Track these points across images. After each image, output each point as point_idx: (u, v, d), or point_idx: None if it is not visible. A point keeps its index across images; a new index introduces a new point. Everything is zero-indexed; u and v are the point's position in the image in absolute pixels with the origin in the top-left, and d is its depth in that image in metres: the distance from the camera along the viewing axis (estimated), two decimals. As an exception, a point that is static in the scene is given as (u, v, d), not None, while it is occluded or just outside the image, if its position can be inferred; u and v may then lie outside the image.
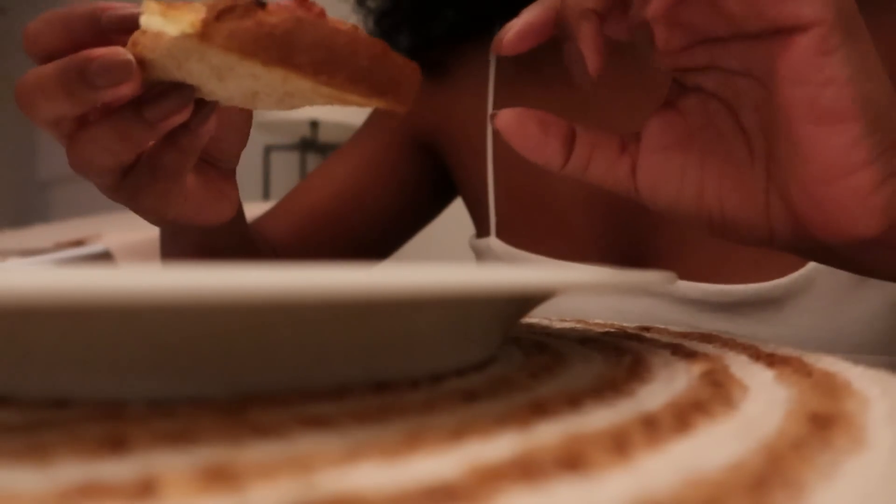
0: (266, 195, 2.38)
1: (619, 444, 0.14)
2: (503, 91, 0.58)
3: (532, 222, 0.54)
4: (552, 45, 0.55)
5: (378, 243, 0.64)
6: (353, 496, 0.11)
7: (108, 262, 1.14)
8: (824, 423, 0.16)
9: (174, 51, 0.25)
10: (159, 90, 0.28)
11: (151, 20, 0.26)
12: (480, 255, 0.59)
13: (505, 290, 0.17)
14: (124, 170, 0.32)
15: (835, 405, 0.18)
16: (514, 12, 0.60)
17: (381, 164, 0.63)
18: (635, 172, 0.30)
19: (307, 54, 0.24)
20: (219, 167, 0.38)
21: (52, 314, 0.16)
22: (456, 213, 0.68)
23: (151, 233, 1.20)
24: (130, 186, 0.32)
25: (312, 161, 2.26)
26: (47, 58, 0.29)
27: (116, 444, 0.14)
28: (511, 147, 0.56)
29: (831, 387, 0.20)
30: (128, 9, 0.28)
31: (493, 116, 0.30)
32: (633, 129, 0.32)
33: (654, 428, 0.16)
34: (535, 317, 0.39)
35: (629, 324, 0.37)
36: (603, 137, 0.30)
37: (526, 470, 0.13)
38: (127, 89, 0.27)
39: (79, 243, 1.18)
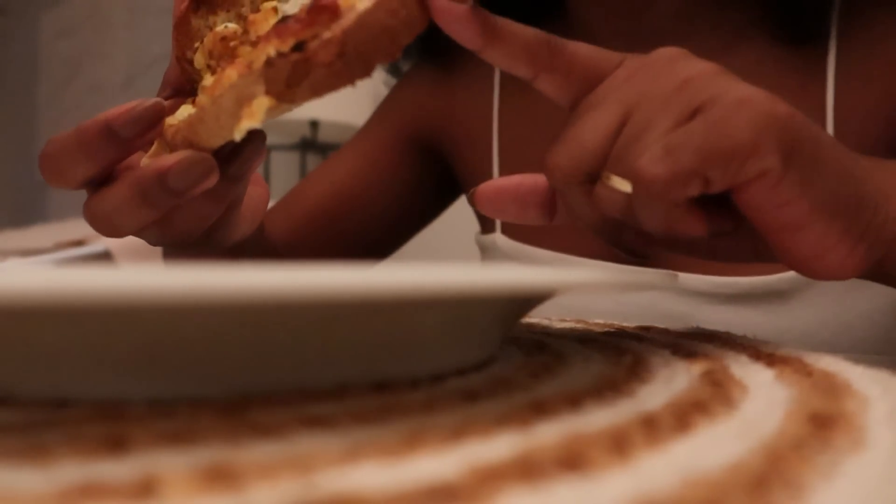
0: (266, 195, 2.37)
1: (619, 444, 0.14)
2: (508, 89, 0.58)
3: None
4: (563, 34, 0.55)
5: (378, 243, 0.64)
6: (353, 496, 0.11)
7: (108, 262, 1.14)
8: (824, 423, 0.16)
9: (220, 111, 0.25)
10: (185, 159, 0.27)
11: (184, 113, 0.26)
12: (486, 252, 0.59)
13: (505, 290, 0.17)
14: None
15: (835, 405, 0.18)
16: (517, 12, 0.60)
17: (381, 164, 0.62)
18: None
19: (354, 50, 0.24)
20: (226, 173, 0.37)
21: (52, 314, 0.16)
22: (458, 212, 0.68)
23: (151, 233, 1.20)
24: (152, 236, 0.31)
25: (312, 161, 2.26)
26: (80, 185, 0.28)
27: (116, 444, 0.14)
28: (516, 143, 0.56)
29: (831, 387, 0.20)
30: (136, 108, 0.27)
31: (471, 195, 0.32)
32: None
33: (654, 428, 0.16)
34: (535, 317, 0.39)
35: (632, 320, 0.37)
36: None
37: (526, 470, 0.13)
38: (209, 184, 0.27)
39: (79, 243, 1.18)
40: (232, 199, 0.31)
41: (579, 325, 0.35)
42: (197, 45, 0.29)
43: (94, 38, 2.53)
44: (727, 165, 0.24)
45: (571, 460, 0.13)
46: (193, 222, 0.30)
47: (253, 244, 0.50)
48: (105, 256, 1.13)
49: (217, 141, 0.26)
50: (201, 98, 0.26)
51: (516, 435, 0.15)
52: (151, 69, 2.32)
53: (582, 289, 0.18)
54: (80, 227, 1.46)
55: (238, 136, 0.25)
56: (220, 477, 0.12)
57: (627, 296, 0.50)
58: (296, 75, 0.24)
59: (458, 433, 0.15)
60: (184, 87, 0.31)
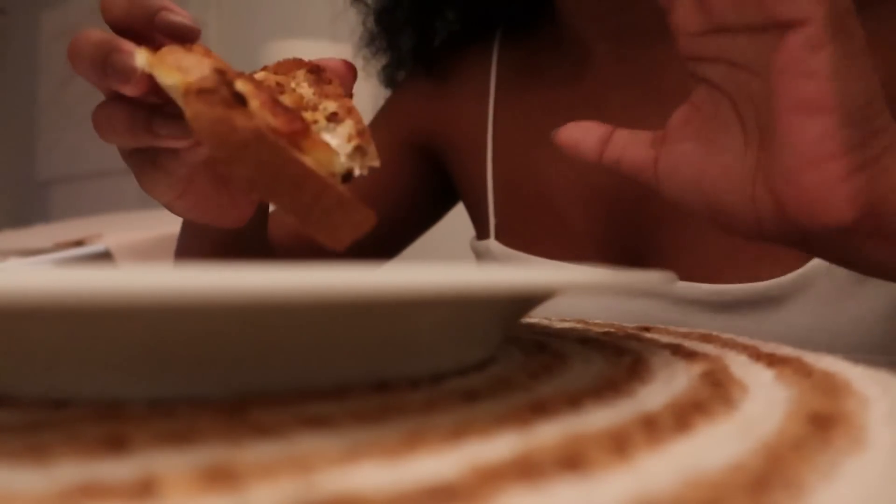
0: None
1: (619, 444, 0.14)
2: (504, 95, 0.58)
3: (530, 224, 0.54)
4: (552, 48, 0.56)
5: (376, 250, 0.64)
6: (353, 496, 0.11)
7: (108, 262, 1.14)
8: (824, 423, 0.16)
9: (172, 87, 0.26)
10: (178, 111, 0.29)
11: (141, 62, 0.28)
12: (480, 257, 0.59)
13: (505, 290, 0.17)
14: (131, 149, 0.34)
15: (835, 405, 0.18)
16: (514, 18, 0.60)
17: (378, 171, 0.62)
18: (657, 164, 0.32)
19: (249, 170, 0.24)
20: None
21: (52, 314, 0.16)
22: (458, 215, 0.69)
23: (151, 233, 1.20)
24: (134, 163, 0.34)
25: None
26: (110, 23, 0.31)
27: (116, 444, 0.14)
28: (510, 149, 0.57)
29: (831, 387, 0.20)
30: (182, 20, 0.30)
31: (555, 134, 0.35)
32: (631, 128, 0.34)
33: (654, 428, 0.16)
34: (535, 317, 0.39)
35: (628, 324, 0.37)
36: (636, 136, 0.33)
37: (526, 470, 0.13)
38: (128, 91, 0.29)
39: (79, 243, 1.18)
40: (155, 155, 0.33)
41: (579, 326, 0.35)
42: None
43: (94, 38, 2.53)
44: None
45: (571, 460, 0.13)
46: (108, 126, 0.32)
47: (258, 242, 0.50)
48: (105, 256, 1.13)
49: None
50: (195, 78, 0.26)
51: (516, 435, 0.15)
52: (151, 69, 2.32)
53: (581, 289, 0.18)
54: (80, 227, 1.46)
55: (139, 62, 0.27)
56: (220, 477, 0.12)
57: (620, 303, 0.50)
58: (211, 98, 0.24)
59: (458, 433, 0.15)
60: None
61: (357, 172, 0.27)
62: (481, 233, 0.59)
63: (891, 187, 0.27)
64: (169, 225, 1.28)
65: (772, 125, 0.28)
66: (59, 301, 0.12)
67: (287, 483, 0.12)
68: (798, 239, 0.30)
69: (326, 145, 0.26)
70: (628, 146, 0.33)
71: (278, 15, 1.89)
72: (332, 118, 0.28)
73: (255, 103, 0.25)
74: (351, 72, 0.33)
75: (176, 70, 0.27)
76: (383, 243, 0.64)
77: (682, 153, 0.32)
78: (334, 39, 1.28)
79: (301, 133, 0.25)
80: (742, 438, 0.15)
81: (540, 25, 0.57)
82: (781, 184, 0.28)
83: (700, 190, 0.31)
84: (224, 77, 0.24)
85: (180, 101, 0.26)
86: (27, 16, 2.79)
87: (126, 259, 1.14)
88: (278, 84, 0.30)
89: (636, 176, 0.33)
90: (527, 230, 0.55)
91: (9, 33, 2.85)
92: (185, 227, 0.48)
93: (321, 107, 0.29)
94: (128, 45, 0.29)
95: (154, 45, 0.29)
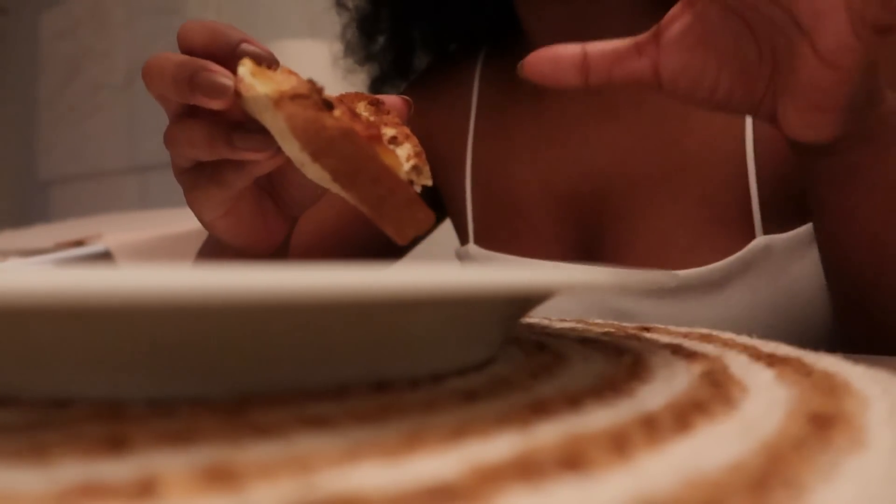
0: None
1: (619, 444, 0.14)
2: (484, 109, 0.62)
3: (504, 227, 0.58)
4: None
5: (372, 260, 0.66)
6: (353, 496, 0.11)
7: (108, 262, 1.14)
8: (824, 423, 0.16)
9: (259, 101, 0.29)
10: (254, 128, 0.32)
11: (245, 73, 0.30)
12: (462, 261, 0.62)
13: (505, 290, 0.17)
14: (195, 164, 0.36)
15: (835, 405, 0.18)
16: (494, 38, 0.63)
17: None
18: (658, 69, 0.34)
19: (334, 162, 0.27)
20: (280, 207, 0.41)
21: (52, 314, 0.16)
22: (441, 232, 0.71)
23: (151, 233, 1.20)
24: (190, 178, 0.36)
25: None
26: (187, 50, 0.33)
27: (116, 444, 0.14)
28: (487, 162, 0.59)
29: (831, 387, 0.20)
30: (262, 51, 0.32)
31: (521, 66, 0.36)
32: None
33: (654, 428, 0.16)
34: (535, 317, 0.39)
35: (573, 316, 0.37)
36: (614, 46, 0.35)
37: (526, 470, 0.13)
38: (217, 105, 0.31)
39: (79, 243, 1.18)
40: (216, 170, 0.35)
41: (579, 326, 0.35)
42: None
43: (94, 38, 2.53)
44: None
45: (571, 460, 0.13)
46: (184, 139, 0.33)
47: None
48: (105, 256, 1.13)
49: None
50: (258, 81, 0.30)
51: (516, 435, 0.15)
52: (151, 69, 2.32)
53: (582, 289, 0.18)
54: (80, 227, 1.46)
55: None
56: (220, 477, 0.12)
57: (570, 293, 0.53)
58: (304, 102, 0.27)
59: (458, 433, 0.15)
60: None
61: (415, 187, 0.30)
62: (462, 239, 0.63)
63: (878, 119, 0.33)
64: (169, 225, 1.28)
65: (791, 58, 0.31)
66: (59, 301, 0.12)
67: (287, 483, 0.12)
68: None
69: (394, 153, 0.30)
70: (614, 63, 0.35)
71: (278, 15, 1.89)
72: (393, 140, 0.32)
73: (338, 111, 0.29)
74: (406, 105, 0.36)
75: (271, 80, 0.30)
76: (377, 254, 0.66)
77: (690, 61, 0.34)
78: (334, 40, 1.28)
79: (376, 139, 0.29)
80: (742, 438, 0.15)
81: (519, 44, 0.60)
82: (784, 107, 0.32)
83: (713, 95, 0.34)
84: (315, 85, 0.28)
85: (265, 113, 0.28)
86: (27, 16, 2.79)
87: (126, 259, 1.14)
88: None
89: (638, 84, 0.35)
90: (501, 232, 0.59)
91: (9, 33, 2.85)
92: (209, 241, 0.49)
93: (382, 131, 0.32)
94: (214, 64, 0.31)
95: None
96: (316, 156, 0.27)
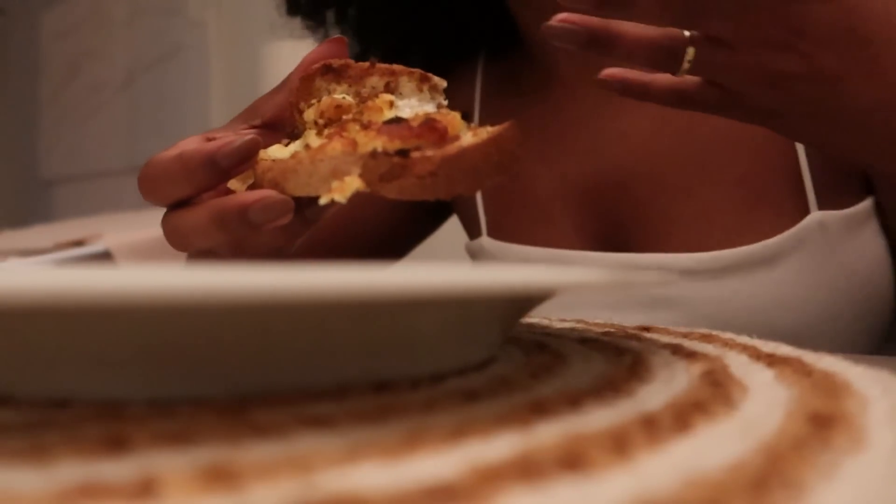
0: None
1: (619, 444, 0.14)
2: (487, 107, 0.62)
3: (518, 218, 0.58)
4: (528, 63, 0.59)
5: (377, 257, 0.66)
6: (353, 496, 0.11)
7: (108, 262, 1.14)
8: (824, 423, 0.16)
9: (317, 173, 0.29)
10: (268, 199, 0.29)
11: (355, 184, 0.29)
12: (475, 256, 0.61)
13: (505, 290, 0.17)
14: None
15: (835, 405, 0.18)
16: (495, 40, 0.64)
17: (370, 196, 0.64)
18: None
19: (458, 182, 0.28)
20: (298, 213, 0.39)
21: (52, 314, 0.16)
22: (447, 227, 0.71)
23: (151, 233, 1.20)
24: (208, 258, 0.34)
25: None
26: (170, 203, 0.32)
27: (116, 444, 0.14)
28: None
29: (831, 387, 0.20)
30: (236, 141, 0.30)
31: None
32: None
33: (654, 428, 0.16)
34: (535, 317, 0.39)
35: (602, 306, 0.37)
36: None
37: (526, 470, 0.13)
38: (283, 222, 0.30)
39: (79, 243, 1.18)
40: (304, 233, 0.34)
41: (579, 326, 0.35)
42: (313, 102, 0.33)
43: (94, 38, 2.53)
44: None
45: (571, 460, 0.13)
46: (263, 247, 0.33)
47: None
48: (105, 256, 1.13)
49: (301, 192, 0.29)
50: (301, 153, 0.30)
51: (516, 435, 0.15)
52: (151, 69, 2.32)
53: (582, 288, 0.18)
54: (80, 227, 1.46)
55: (323, 201, 0.28)
56: (220, 477, 0.12)
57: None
58: (391, 174, 0.28)
59: (458, 433, 0.15)
60: (275, 124, 0.35)
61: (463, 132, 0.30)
62: (473, 233, 0.62)
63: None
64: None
65: None
66: (59, 301, 0.12)
67: (287, 483, 0.12)
68: None
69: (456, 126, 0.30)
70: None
71: (278, 15, 1.89)
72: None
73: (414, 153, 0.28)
74: (341, 45, 0.34)
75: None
76: (382, 252, 0.66)
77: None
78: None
79: (442, 132, 0.29)
80: (742, 438, 0.15)
81: (519, 44, 0.60)
82: None
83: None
84: (383, 135, 0.28)
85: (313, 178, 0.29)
86: (27, 16, 2.79)
87: (126, 259, 1.14)
88: (359, 95, 0.33)
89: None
90: (515, 224, 0.58)
91: (9, 33, 2.85)
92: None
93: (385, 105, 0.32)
94: (248, 193, 0.29)
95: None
96: (445, 193, 0.28)
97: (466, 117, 0.31)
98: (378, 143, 0.28)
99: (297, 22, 0.67)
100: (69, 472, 0.13)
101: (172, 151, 0.31)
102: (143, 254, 1.16)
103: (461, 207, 0.64)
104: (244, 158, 0.30)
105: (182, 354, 0.18)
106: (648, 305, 0.50)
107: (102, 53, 2.50)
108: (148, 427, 0.16)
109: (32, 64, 2.76)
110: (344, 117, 0.32)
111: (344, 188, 0.28)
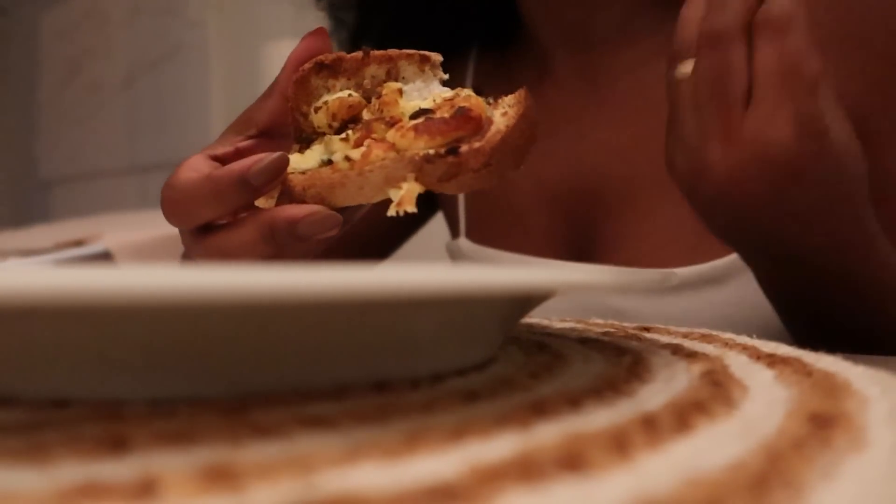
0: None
1: (619, 444, 0.14)
2: None
3: (496, 222, 0.58)
4: (521, 58, 0.59)
5: (365, 251, 0.67)
6: (353, 496, 0.11)
7: (108, 262, 1.14)
8: (824, 423, 0.16)
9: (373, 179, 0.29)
10: (318, 213, 0.29)
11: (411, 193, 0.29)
12: (453, 257, 0.62)
13: (505, 290, 0.17)
14: None
15: (835, 405, 0.18)
16: (488, 32, 0.64)
17: None
18: None
19: (506, 164, 0.29)
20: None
21: (52, 314, 0.16)
22: (432, 224, 0.71)
23: (151, 233, 1.20)
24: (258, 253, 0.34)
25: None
26: (199, 225, 0.32)
27: (116, 444, 0.14)
28: None
29: (831, 387, 0.20)
30: (265, 159, 0.30)
31: None
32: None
33: (654, 428, 0.16)
34: (535, 317, 0.39)
35: (567, 315, 0.38)
36: None
37: (526, 470, 0.13)
38: (333, 234, 0.30)
39: (79, 243, 1.18)
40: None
41: (579, 326, 0.35)
42: (319, 104, 0.33)
43: (94, 38, 2.53)
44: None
45: (571, 460, 0.13)
46: (297, 254, 0.32)
47: None
48: (105, 256, 1.13)
49: (350, 202, 0.30)
50: (341, 164, 0.30)
51: (516, 435, 0.15)
52: (151, 69, 2.32)
53: (581, 289, 0.18)
54: (80, 227, 1.46)
55: (391, 213, 0.28)
56: (220, 477, 0.12)
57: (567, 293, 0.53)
58: (448, 174, 0.28)
59: (458, 433, 0.15)
60: (271, 131, 0.34)
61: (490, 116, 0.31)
62: (454, 233, 0.63)
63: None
64: (169, 225, 1.28)
65: None
66: (59, 301, 0.12)
67: (287, 483, 0.12)
68: None
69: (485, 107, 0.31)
70: None
71: (278, 15, 1.89)
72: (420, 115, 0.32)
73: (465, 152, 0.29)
74: (321, 37, 0.34)
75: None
76: (369, 246, 0.66)
77: None
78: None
79: (476, 119, 0.29)
80: (742, 438, 0.15)
81: (512, 38, 0.60)
82: None
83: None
84: (423, 136, 0.29)
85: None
86: (27, 16, 2.79)
87: (126, 259, 1.14)
88: (360, 88, 0.33)
89: None
90: (493, 227, 0.58)
91: (9, 33, 2.85)
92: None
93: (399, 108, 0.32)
94: (293, 207, 0.29)
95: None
96: (500, 177, 0.29)
97: (480, 93, 0.31)
98: (421, 143, 0.28)
99: (296, 21, 0.67)
100: (69, 472, 0.13)
101: (189, 174, 0.31)
102: (142, 254, 1.16)
103: (446, 206, 0.64)
104: (275, 175, 0.30)
105: (182, 354, 0.18)
106: (610, 318, 0.50)
107: (102, 53, 2.50)
108: (148, 427, 0.16)
109: (32, 64, 2.76)
110: (364, 116, 0.31)
111: (409, 196, 0.28)
